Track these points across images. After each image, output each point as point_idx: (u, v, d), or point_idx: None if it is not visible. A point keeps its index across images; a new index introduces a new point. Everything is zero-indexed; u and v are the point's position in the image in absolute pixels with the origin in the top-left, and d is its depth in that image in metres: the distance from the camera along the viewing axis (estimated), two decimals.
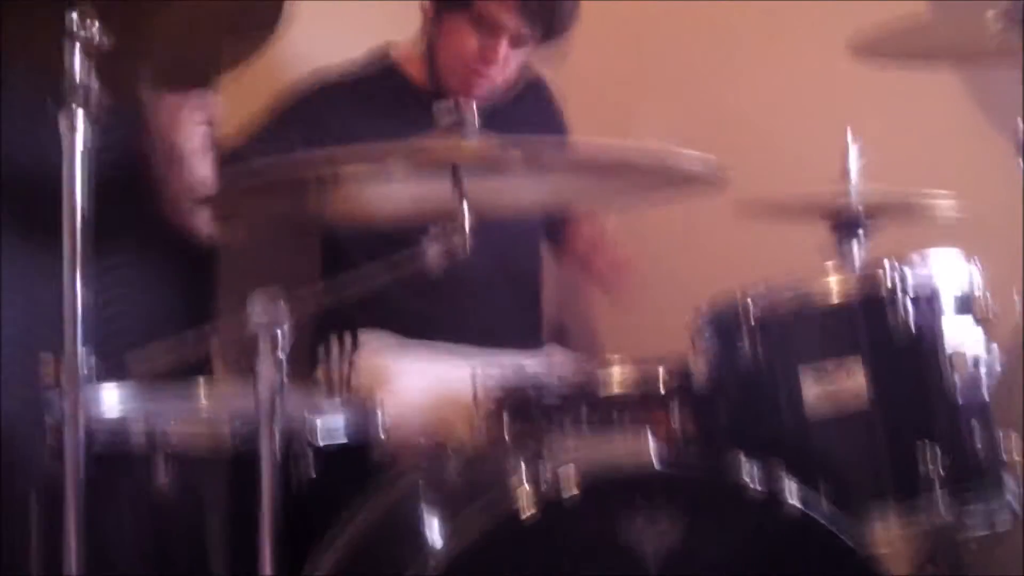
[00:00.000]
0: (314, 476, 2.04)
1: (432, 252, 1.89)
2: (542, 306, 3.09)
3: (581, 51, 3.29)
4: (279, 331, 1.86)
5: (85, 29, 1.85)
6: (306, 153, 2.10)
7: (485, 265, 2.74)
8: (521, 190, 2.15)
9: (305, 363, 2.79)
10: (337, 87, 2.95)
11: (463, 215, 1.88)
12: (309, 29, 3.03)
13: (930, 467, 2.11)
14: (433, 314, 2.82)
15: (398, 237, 2.60)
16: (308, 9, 2.95)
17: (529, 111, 3.01)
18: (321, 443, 2.09)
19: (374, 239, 2.72)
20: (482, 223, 1.90)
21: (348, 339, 2.80)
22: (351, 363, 2.75)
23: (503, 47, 2.81)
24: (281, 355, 1.85)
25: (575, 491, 1.76)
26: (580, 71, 3.43)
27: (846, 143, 2.45)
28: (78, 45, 1.86)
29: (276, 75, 2.97)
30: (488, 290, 2.87)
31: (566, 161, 2.07)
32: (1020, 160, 2.18)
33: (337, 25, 3.12)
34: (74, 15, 1.85)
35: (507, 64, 2.86)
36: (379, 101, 2.93)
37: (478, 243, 1.91)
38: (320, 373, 2.81)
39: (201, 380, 2.53)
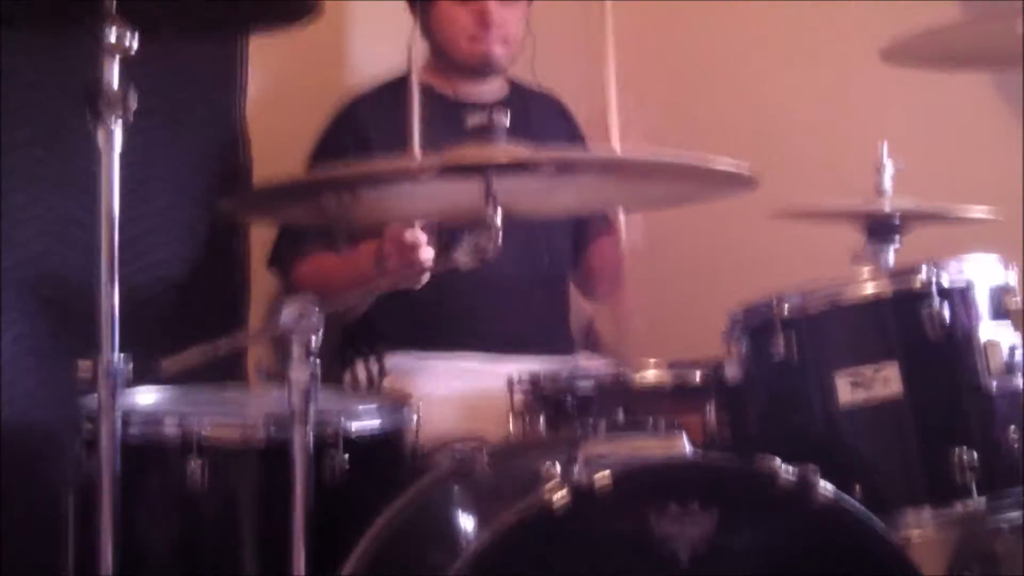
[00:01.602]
0: (347, 470, 2.05)
1: (462, 255, 1.89)
2: (569, 311, 3.10)
3: (614, 58, 3.31)
4: (312, 337, 1.86)
5: (122, 44, 1.87)
6: (342, 163, 2.10)
7: (512, 271, 2.76)
8: (552, 194, 2.16)
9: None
10: (371, 96, 3.02)
11: (493, 219, 1.88)
12: (366, 46, 3.12)
13: (965, 469, 2.09)
14: (460, 325, 2.81)
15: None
16: (367, 30, 3.03)
17: (550, 130, 3.04)
18: (355, 436, 2.10)
19: None
20: (509, 229, 1.91)
21: (374, 364, 2.82)
22: (379, 388, 2.77)
23: (491, 4, 2.89)
24: (314, 361, 1.86)
25: (608, 482, 1.76)
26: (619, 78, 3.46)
27: (881, 157, 2.45)
28: (116, 58, 1.88)
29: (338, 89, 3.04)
30: (515, 296, 2.88)
31: (598, 165, 2.08)
32: None
33: (392, 45, 3.18)
34: (112, 29, 1.86)
35: (506, 24, 2.93)
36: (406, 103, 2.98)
37: (505, 249, 1.92)
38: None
39: (234, 384, 2.57)
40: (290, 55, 2.90)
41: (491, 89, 3.04)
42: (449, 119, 2.84)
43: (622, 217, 2.83)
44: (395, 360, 2.80)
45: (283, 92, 2.96)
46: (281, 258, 2.90)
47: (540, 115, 3.09)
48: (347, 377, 2.83)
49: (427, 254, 2.46)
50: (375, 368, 2.79)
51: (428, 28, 2.99)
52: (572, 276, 3.17)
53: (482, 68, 2.97)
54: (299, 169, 2.83)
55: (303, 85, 3.02)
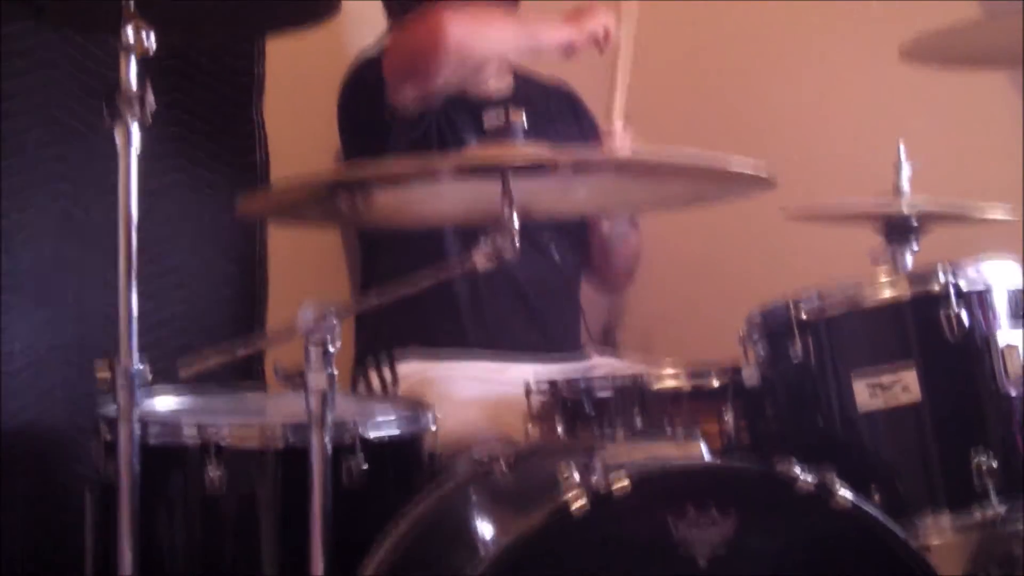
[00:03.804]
0: (365, 473, 2.05)
1: (479, 257, 1.88)
2: (583, 313, 3.10)
3: (639, 55, 3.29)
4: (329, 342, 1.86)
5: (140, 43, 1.86)
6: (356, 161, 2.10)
7: (525, 274, 2.76)
8: (568, 194, 2.15)
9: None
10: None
11: (510, 219, 1.88)
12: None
13: (984, 474, 2.09)
14: (473, 328, 2.81)
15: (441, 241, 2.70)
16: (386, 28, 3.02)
17: (563, 121, 3.03)
18: (373, 441, 2.10)
19: (417, 244, 2.76)
20: (522, 231, 1.90)
21: (387, 372, 2.81)
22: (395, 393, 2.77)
23: None
24: (331, 366, 1.86)
25: (626, 486, 1.75)
26: (637, 76, 3.44)
27: (899, 157, 2.44)
28: (133, 58, 1.87)
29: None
30: (529, 299, 2.87)
31: (615, 164, 2.07)
32: None
33: None
34: (129, 29, 1.86)
35: None
36: None
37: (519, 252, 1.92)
38: None
39: (252, 388, 2.58)
40: (308, 52, 2.89)
41: (496, 84, 3.02)
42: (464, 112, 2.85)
43: None
44: (410, 366, 2.79)
45: (301, 89, 2.96)
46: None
47: (550, 108, 3.07)
48: (360, 386, 2.83)
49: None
50: (388, 376, 2.78)
51: None
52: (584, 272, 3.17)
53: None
54: (318, 166, 2.83)
55: (321, 83, 3.01)
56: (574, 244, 3.03)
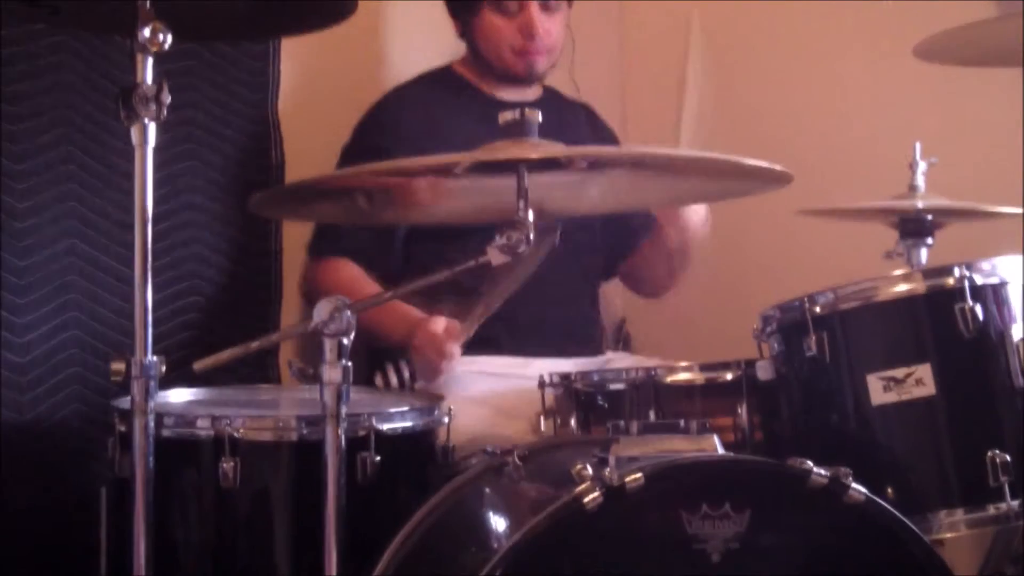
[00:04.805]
0: (379, 470, 2.05)
1: (495, 254, 1.89)
2: (600, 312, 3.10)
3: (646, 57, 3.32)
4: (344, 339, 1.87)
5: (156, 42, 1.87)
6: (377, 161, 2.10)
7: (543, 272, 2.76)
8: (583, 192, 2.15)
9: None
10: (409, 89, 3.04)
11: (525, 215, 1.88)
12: (400, 44, 3.12)
13: (999, 471, 2.08)
14: (490, 326, 2.79)
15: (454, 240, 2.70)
16: (401, 28, 3.03)
17: (581, 133, 3.04)
18: (387, 436, 2.09)
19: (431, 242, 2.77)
20: (540, 231, 1.91)
21: (404, 367, 2.81)
22: (411, 390, 2.77)
23: (536, 17, 2.89)
24: (347, 362, 1.86)
25: (640, 482, 1.75)
26: (644, 77, 3.46)
27: (914, 155, 2.44)
28: (150, 56, 1.88)
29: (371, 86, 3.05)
30: (546, 297, 2.86)
31: (629, 161, 2.07)
32: None
33: (427, 42, 3.18)
34: (146, 30, 1.86)
35: (549, 32, 2.93)
36: (444, 98, 3.00)
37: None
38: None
39: (267, 384, 2.58)
40: (323, 52, 2.90)
41: (527, 91, 3.05)
42: (485, 115, 2.85)
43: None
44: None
45: (316, 89, 2.97)
46: (312, 250, 2.90)
47: (573, 120, 3.11)
48: (377, 380, 2.83)
49: (448, 367, 2.54)
50: (405, 372, 2.79)
51: (471, 36, 2.99)
52: (622, 278, 3.17)
53: (524, 79, 2.97)
54: (332, 166, 2.84)
55: (336, 83, 3.02)
56: (594, 243, 3.04)
